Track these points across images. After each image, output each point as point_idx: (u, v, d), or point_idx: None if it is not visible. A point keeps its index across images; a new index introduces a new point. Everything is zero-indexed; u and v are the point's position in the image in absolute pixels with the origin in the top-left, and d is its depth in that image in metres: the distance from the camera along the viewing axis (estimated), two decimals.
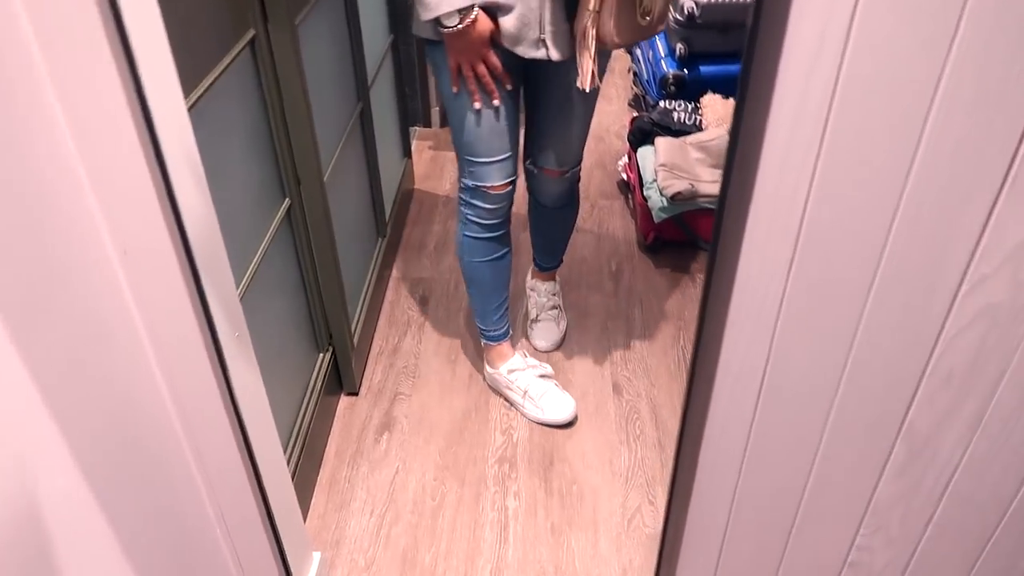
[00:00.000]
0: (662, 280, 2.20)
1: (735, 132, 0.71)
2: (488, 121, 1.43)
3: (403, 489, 1.61)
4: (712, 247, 0.79)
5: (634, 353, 1.95)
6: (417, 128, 3.00)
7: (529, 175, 1.70)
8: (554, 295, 1.99)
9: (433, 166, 2.78)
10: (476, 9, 1.29)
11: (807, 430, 0.89)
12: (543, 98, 1.53)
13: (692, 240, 2.27)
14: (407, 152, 2.58)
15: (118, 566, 0.81)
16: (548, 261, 1.95)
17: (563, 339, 1.97)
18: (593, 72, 1.31)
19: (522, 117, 1.57)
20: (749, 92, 0.68)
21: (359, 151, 1.96)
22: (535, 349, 1.95)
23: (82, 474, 0.75)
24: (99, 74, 0.70)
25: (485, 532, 1.52)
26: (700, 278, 2.20)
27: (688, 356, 1.93)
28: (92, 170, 0.72)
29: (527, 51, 1.34)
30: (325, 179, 1.55)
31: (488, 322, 1.77)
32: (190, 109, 1.02)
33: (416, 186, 2.66)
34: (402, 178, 2.47)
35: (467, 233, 1.62)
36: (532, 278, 2.02)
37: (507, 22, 1.31)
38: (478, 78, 1.37)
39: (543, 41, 1.32)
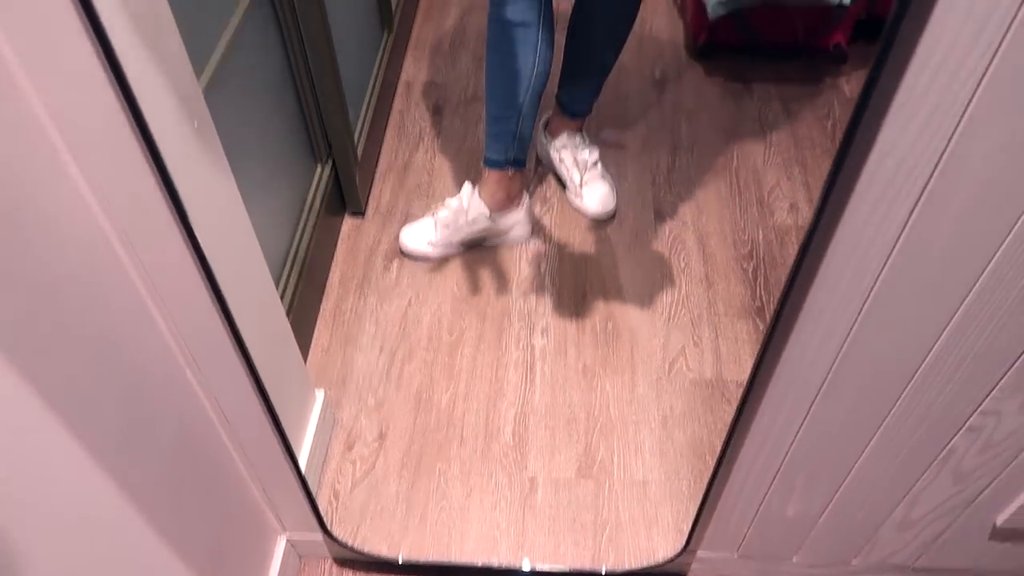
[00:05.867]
0: (714, 90, 1.89)
1: None
2: None
3: (416, 323, 1.42)
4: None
5: (680, 175, 1.69)
6: None
7: None
8: (594, 148, 1.61)
9: None
10: None
11: (964, 265, 0.65)
12: None
13: (752, 43, 1.93)
14: None
15: (66, 427, 0.62)
16: (583, 100, 1.56)
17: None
18: None
19: None
20: None
21: None
22: (592, 218, 1.59)
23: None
24: None
25: (509, 372, 1.35)
26: (759, 90, 1.89)
27: (741, 178, 1.67)
28: None
29: None
30: None
31: (487, 132, 1.44)
32: None
33: None
34: None
35: (489, 5, 1.29)
36: (557, 134, 1.61)
37: None
38: None
39: None
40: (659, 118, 1.82)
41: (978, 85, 0.50)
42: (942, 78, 0.51)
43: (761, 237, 1.56)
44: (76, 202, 0.63)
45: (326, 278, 1.49)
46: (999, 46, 0.48)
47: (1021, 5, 0.45)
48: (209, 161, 0.80)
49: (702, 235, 1.57)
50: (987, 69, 0.49)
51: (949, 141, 0.54)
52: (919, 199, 0.58)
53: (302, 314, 1.36)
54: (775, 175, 1.69)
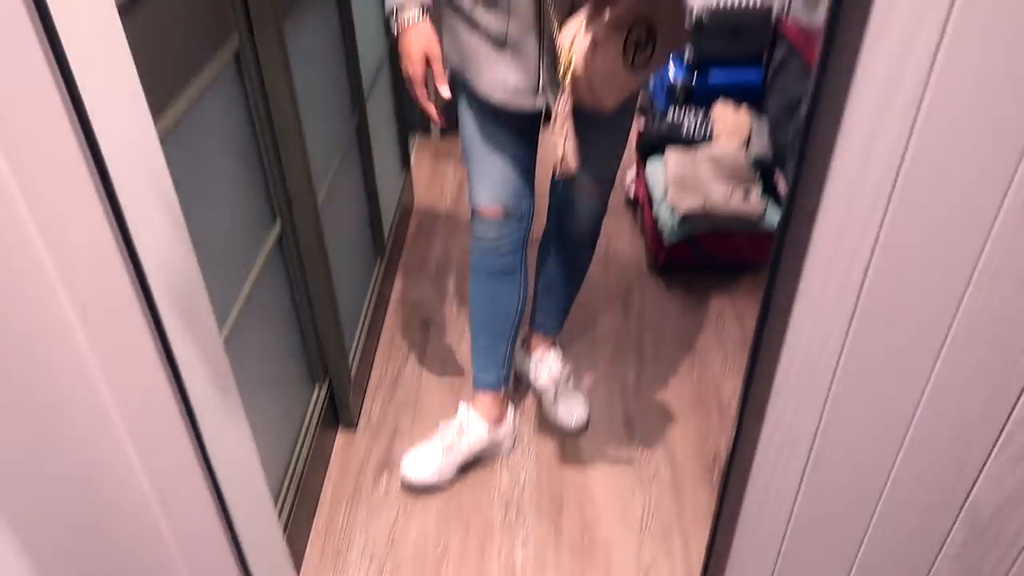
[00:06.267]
0: (674, 305, 2.09)
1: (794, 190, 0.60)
2: (490, 149, 1.34)
3: (404, 536, 1.50)
4: (765, 298, 0.68)
5: (646, 385, 1.85)
6: (416, 136, 2.89)
7: (554, 201, 1.57)
8: (565, 364, 1.75)
9: (434, 178, 2.67)
10: (418, 14, 1.20)
11: (858, 506, 0.78)
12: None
13: (705, 263, 2.16)
14: (406, 164, 2.47)
15: None
16: (554, 320, 1.73)
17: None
18: (566, 157, 1.18)
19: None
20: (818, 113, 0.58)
21: (356, 167, 1.85)
22: (567, 431, 1.72)
23: (37, 554, 0.64)
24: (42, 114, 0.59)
25: None
26: (715, 302, 2.10)
27: (702, 386, 1.83)
28: (40, 218, 0.61)
29: (524, 102, 1.26)
30: (320, 202, 1.44)
31: (476, 358, 1.59)
32: (167, 128, 0.92)
33: (416, 201, 2.55)
34: (402, 192, 2.36)
35: (471, 254, 1.50)
36: (534, 350, 1.75)
37: (507, 75, 1.22)
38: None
39: (544, 90, 1.23)
40: (625, 331, 2.00)
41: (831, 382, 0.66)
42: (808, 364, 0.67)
43: (723, 445, 1.68)
44: (122, 459, 0.76)
45: (319, 493, 1.58)
46: (842, 352, 0.64)
47: (849, 325, 0.61)
48: (230, 415, 0.94)
49: (669, 443, 1.69)
50: (837, 367, 0.65)
51: (821, 415, 0.69)
52: (804, 470, 0.73)
53: (297, 530, 1.44)
54: (733, 383, 1.85)
